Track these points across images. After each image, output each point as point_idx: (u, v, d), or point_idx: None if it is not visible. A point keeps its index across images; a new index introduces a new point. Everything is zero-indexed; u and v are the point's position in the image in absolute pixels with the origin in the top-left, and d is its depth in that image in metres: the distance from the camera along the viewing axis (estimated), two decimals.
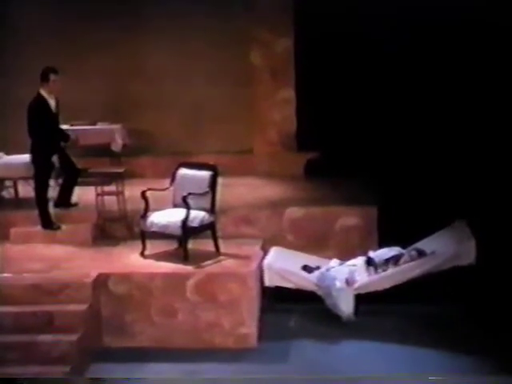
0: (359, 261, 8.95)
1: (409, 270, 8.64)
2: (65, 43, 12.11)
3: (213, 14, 11.93)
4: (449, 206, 9.95)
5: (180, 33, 12.13)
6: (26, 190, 10.07)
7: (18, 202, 10.16)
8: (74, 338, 7.60)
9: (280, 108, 11.82)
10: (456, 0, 10.73)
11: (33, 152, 9.32)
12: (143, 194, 8.79)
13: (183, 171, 8.99)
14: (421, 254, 8.77)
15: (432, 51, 11.34)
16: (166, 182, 9.04)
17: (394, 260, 8.74)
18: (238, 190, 10.55)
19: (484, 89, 11.25)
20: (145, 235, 8.77)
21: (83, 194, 9.86)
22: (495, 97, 11.22)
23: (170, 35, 12.17)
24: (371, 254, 8.93)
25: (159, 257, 8.70)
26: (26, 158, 9.59)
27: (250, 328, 8.15)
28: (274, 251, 9.11)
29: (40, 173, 9.35)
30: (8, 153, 10.56)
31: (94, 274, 8.15)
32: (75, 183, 9.73)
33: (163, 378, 7.34)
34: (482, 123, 11.21)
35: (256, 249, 9.06)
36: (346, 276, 8.62)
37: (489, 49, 11.23)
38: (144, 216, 8.74)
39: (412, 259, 8.73)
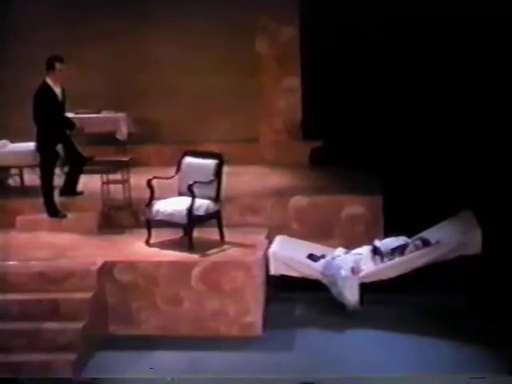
0: (365, 250, 8.95)
1: (414, 259, 8.62)
2: (69, 32, 12.07)
3: (217, 2, 11.88)
4: (455, 195, 9.93)
5: (184, 21, 12.08)
6: (32, 178, 10.07)
7: (23, 190, 10.17)
8: (79, 325, 7.62)
9: (285, 97, 11.79)
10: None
11: (38, 140, 9.33)
12: (149, 182, 8.79)
13: (189, 160, 8.98)
14: (426, 243, 8.76)
15: (439, 40, 11.29)
16: (172, 171, 9.03)
17: (400, 249, 8.73)
18: (243, 179, 10.54)
19: (490, 77, 11.20)
20: (150, 223, 8.78)
21: (89, 183, 9.86)
22: (501, 86, 11.17)
23: (174, 23, 12.13)
24: (377, 243, 8.92)
25: (164, 245, 8.71)
26: (31, 146, 9.61)
27: (254, 316, 8.16)
28: (279, 240, 9.10)
29: (45, 161, 9.35)
30: (13, 141, 10.57)
31: (99, 262, 8.16)
32: (81, 171, 9.73)
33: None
34: (489, 111, 11.18)
35: (261, 237, 9.06)
36: (352, 265, 8.62)
37: (493, 44, 11.18)
38: (149, 204, 8.75)
39: (417, 249, 8.72)
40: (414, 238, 8.95)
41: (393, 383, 7.06)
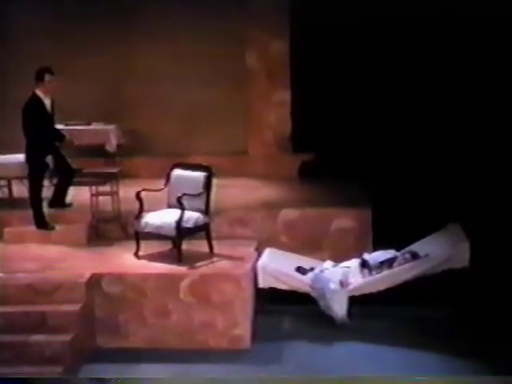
0: (353, 263, 8.95)
1: (403, 272, 8.64)
2: (59, 43, 12.06)
3: (208, 15, 11.90)
4: (443, 208, 9.97)
5: (174, 33, 12.10)
6: (21, 189, 10.04)
7: (12, 202, 10.13)
8: (67, 338, 7.59)
9: (275, 109, 11.83)
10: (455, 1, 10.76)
11: (27, 152, 9.31)
12: (138, 194, 8.78)
13: (178, 172, 8.98)
14: (415, 256, 8.78)
15: (426, 58, 11.37)
16: (161, 183, 9.03)
17: (389, 262, 8.74)
18: (232, 191, 10.54)
19: (477, 94, 11.28)
20: (139, 236, 8.76)
21: (78, 195, 9.85)
22: (488, 101, 11.25)
23: (164, 35, 12.14)
24: (366, 256, 8.93)
25: (153, 257, 8.69)
26: (20, 157, 9.57)
27: (243, 329, 8.15)
28: (268, 252, 9.10)
29: (34, 173, 9.33)
30: (2, 152, 10.54)
31: (87, 274, 8.14)
32: (70, 183, 9.71)
33: (158, 378, 7.32)
34: (476, 126, 11.24)
35: (250, 250, 9.06)
36: (340, 278, 8.63)
37: (486, 54, 11.25)
38: (138, 216, 8.74)
39: (406, 262, 8.73)
40: (403, 250, 8.97)
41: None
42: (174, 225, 8.46)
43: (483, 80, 11.23)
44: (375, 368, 7.56)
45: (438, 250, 8.77)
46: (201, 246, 8.77)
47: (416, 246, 9.01)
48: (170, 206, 8.86)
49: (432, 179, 10.84)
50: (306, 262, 9.11)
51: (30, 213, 9.35)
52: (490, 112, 11.27)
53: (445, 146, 11.20)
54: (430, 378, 7.17)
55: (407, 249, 9.01)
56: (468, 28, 10.95)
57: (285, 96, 11.77)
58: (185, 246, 8.59)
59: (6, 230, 9.44)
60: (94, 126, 11.98)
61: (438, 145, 11.25)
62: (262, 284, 8.75)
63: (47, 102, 9.36)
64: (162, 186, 9.00)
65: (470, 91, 11.27)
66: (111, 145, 11.84)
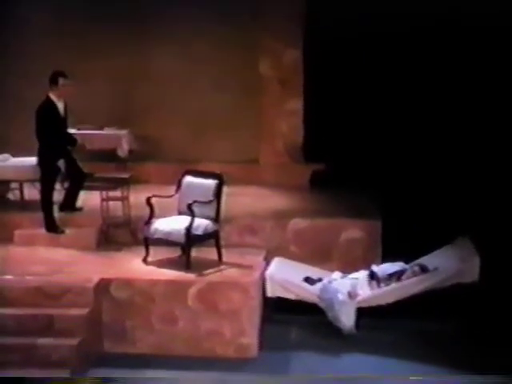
0: (362, 274, 8.94)
1: (411, 285, 8.62)
2: (70, 46, 12.11)
3: (222, 21, 11.92)
4: (453, 221, 9.94)
5: (188, 38, 12.13)
6: (32, 192, 10.07)
7: (23, 205, 10.16)
8: (74, 342, 7.60)
9: (287, 118, 11.83)
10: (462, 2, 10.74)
11: (40, 155, 9.34)
12: (148, 200, 8.80)
13: (189, 179, 8.99)
14: (424, 269, 8.76)
15: (443, 66, 11.36)
16: (172, 189, 9.04)
17: (397, 275, 8.73)
18: (242, 200, 10.54)
19: (494, 105, 11.25)
20: (148, 242, 8.77)
21: (88, 199, 9.86)
22: (504, 113, 11.22)
23: (177, 40, 12.18)
24: (374, 268, 8.91)
25: (162, 264, 8.70)
26: (32, 160, 9.61)
27: (250, 338, 8.14)
28: (276, 262, 9.10)
29: (46, 176, 9.36)
30: (14, 155, 10.58)
31: (96, 278, 8.16)
32: (81, 187, 9.73)
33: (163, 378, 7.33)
34: (489, 139, 11.22)
35: (259, 259, 9.05)
36: (349, 289, 8.61)
37: (497, 58, 11.24)
38: (148, 222, 8.75)
39: (415, 275, 8.71)
40: (412, 263, 8.94)
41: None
42: (183, 231, 8.46)
43: (500, 90, 11.19)
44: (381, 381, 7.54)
45: (447, 264, 8.74)
46: (210, 253, 8.78)
47: (425, 260, 8.99)
48: (180, 213, 8.87)
49: (443, 192, 10.82)
50: (314, 272, 9.10)
51: (40, 216, 9.38)
52: (506, 127, 11.24)
53: (457, 159, 11.18)
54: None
55: (416, 262, 8.99)
56: (481, 28, 10.94)
57: (297, 105, 11.77)
58: (194, 253, 8.60)
59: (17, 232, 9.46)
60: (106, 131, 12.02)
61: (449, 158, 11.22)
62: (269, 293, 8.74)
63: (60, 105, 9.39)
64: (173, 193, 9.01)
65: (487, 103, 11.23)
66: (123, 150, 11.88)
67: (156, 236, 8.69)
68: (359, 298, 8.59)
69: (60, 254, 9.05)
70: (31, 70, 11.80)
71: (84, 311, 7.85)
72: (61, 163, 9.43)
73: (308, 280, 8.88)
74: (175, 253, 8.83)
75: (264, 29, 11.67)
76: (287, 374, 7.74)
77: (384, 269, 8.87)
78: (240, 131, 11.95)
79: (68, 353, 7.52)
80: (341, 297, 8.52)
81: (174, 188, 9.03)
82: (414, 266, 8.84)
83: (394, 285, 8.67)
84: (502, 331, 8.45)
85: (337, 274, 9.00)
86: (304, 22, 11.60)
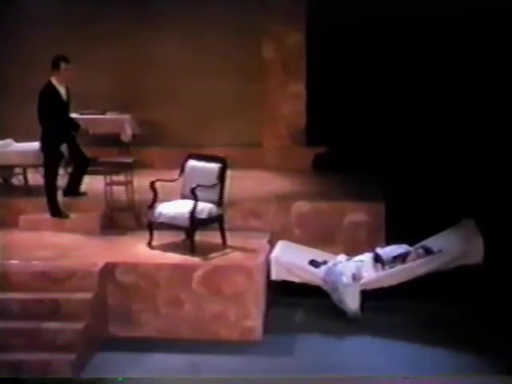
0: (366, 257, 8.95)
1: (416, 267, 8.63)
2: (76, 32, 12.10)
3: (225, 6, 11.90)
4: (457, 203, 9.94)
5: (191, 24, 12.11)
6: (36, 177, 10.09)
7: (27, 190, 10.18)
8: (79, 326, 7.62)
9: (290, 102, 11.82)
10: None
11: (42, 140, 9.35)
12: (152, 184, 8.80)
13: (192, 163, 8.99)
14: (428, 251, 8.76)
15: (444, 46, 11.32)
16: (175, 173, 9.04)
17: (402, 257, 8.74)
18: (246, 183, 10.53)
19: (495, 87, 11.22)
20: (152, 226, 8.77)
21: (92, 184, 9.87)
22: (506, 95, 11.19)
23: (181, 26, 12.16)
24: (379, 250, 8.92)
25: (166, 248, 8.71)
26: (35, 145, 9.61)
27: (255, 321, 8.16)
28: (281, 245, 9.11)
29: (49, 161, 9.37)
30: (18, 140, 10.58)
31: (101, 263, 8.17)
32: (84, 172, 9.75)
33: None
34: (493, 120, 11.19)
35: (263, 242, 9.06)
36: (353, 271, 8.62)
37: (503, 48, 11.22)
38: (152, 206, 8.75)
39: (419, 257, 8.72)
40: (416, 246, 8.95)
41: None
42: (187, 215, 8.47)
43: (504, 76, 11.17)
44: (386, 362, 7.56)
45: (451, 246, 8.75)
46: (214, 237, 8.78)
47: (429, 242, 8.99)
48: (183, 197, 8.87)
49: (446, 174, 10.80)
50: (319, 255, 9.10)
51: (44, 201, 9.39)
52: (509, 108, 11.21)
53: (460, 140, 11.15)
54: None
55: (420, 244, 8.99)
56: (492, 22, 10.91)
57: (300, 89, 11.76)
58: (198, 237, 8.60)
59: (21, 217, 9.48)
60: (110, 116, 12.02)
61: (453, 139, 11.20)
62: (274, 276, 8.75)
63: (62, 90, 9.38)
64: (176, 177, 9.01)
65: (485, 88, 11.20)
66: (126, 134, 11.90)
67: (160, 220, 8.69)
68: (364, 281, 8.60)
69: (65, 239, 9.07)
70: (35, 56, 11.77)
71: (89, 295, 7.87)
72: (63, 148, 9.43)
73: (313, 263, 8.89)
74: (179, 237, 8.85)
75: (267, 12, 11.64)
76: (292, 357, 7.75)
77: (388, 251, 8.88)
78: (243, 115, 11.95)
79: (73, 337, 7.54)
80: (345, 279, 8.53)
81: (177, 172, 9.02)
82: (418, 248, 8.85)
83: (398, 267, 8.68)
84: (507, 312, 8.45)
85: (341, 257, 9.01)
86: (306, 5, 11.56)
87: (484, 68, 11.22)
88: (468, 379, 7.08)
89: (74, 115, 10.27)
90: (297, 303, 8.89)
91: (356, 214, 9.51)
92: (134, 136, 11.96)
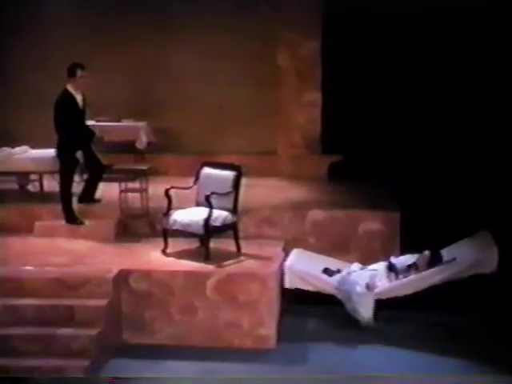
0: (380, 266, 8.92)
1: (430, 276, 8.59)
2: (91, 39, 12.20)
3: (240, 14, 11.95)
4: (472, 212, 9.90)
5: (206, 32, 12.17)
6: (51, 184, 10.14)
7: (42, 196, 10.23)
8: (93, 332, 7.65)
9: (305, 110, 11.83)
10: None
11: (59, 147, 9.39)
12: (167, 191, 8.82)
13: (207, 170, 9.01)
14: (435, 254, 8.73)
15: (462, 59, 11.30)
16: (190, 181, 9.06)
17: (416, 266, 8.71)
18: (261, 191, 10.55)
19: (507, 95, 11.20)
20: (167, 233, 8.80)
21: (107, 191, 9.92)
22: None
23: (196, 34, 12.22)
24: (393, 259, 8.90)
25: (181, 255, 8.73)
26: (51, 152, 9.67)
27: (269, 329, 8.16)
28: (295, 253, 9.11)
29: (65, 168, 9.42)
30: (34, 147, 10.64)
31: (115, 269, 8.20)
32: (99, 179, 9.79)
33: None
34: (509, 133, 11.15)
35: (277, 250, 9.07)
36: (367, 281, 8.61)
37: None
38: (167, 214, 8.77)
39: (425, 260, 8.67)
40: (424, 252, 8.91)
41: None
42: (202, 223, 8.49)
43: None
44: (398, 372, 7.51)
45: (465, 255, 8.71)
46: (228, 244, 8.79)
47: (444, 251, 8.95)
48: (198, 204, 8.89)
49: (462, 184, 10.76)
50: (333, 263, 9.10)
51: (59, 207, 9.44)
52: None
53: (478, 151, 11.12)
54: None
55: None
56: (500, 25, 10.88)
57: (315, 97, 11.76)
58: (212, 244, 8.62)
59: (37, 223, 9.53)
60: (125, 123, 12.07)
61: (470, 150, 11.16)
62: (288, 284, 8.76)
63: (79, 97, 9.43)
64: (191, 184, 9.03)
65: (504, 100, 11.16)
66: (141, 142, 11.94)
67: (175, 227, 8.71)
68: (377, 290, 8.58)
69: (79, 245, 9.10)
70: (49, 63, 11.87)
71: (103, 302, 7.89)
72: (79, 155, 9.47)
73: (327, 271, 8.89)
74: (193, 244, 8.87)
75: (282, 21, 11.67)
76: (305, 365, 7.74)
77: (403, 260, 8.86)
78: (258, 123, 11.97)
79: (87, 343, 7.57)
80: (359, 288, 8.51)
81: (192, 180, 9.05)
82: (424, 252, 8.81)
83: (412, 276, 8.65)
84: None
85: (356, 266, 8.99)
86: (322, 14, 11.57)
87: (498, 88, 11.18)
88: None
89: (89, 122, 10.32)
90: (310, 312, 8.87)
91: (371, 223, 9.50)
92: (149, 143, 12.00)
